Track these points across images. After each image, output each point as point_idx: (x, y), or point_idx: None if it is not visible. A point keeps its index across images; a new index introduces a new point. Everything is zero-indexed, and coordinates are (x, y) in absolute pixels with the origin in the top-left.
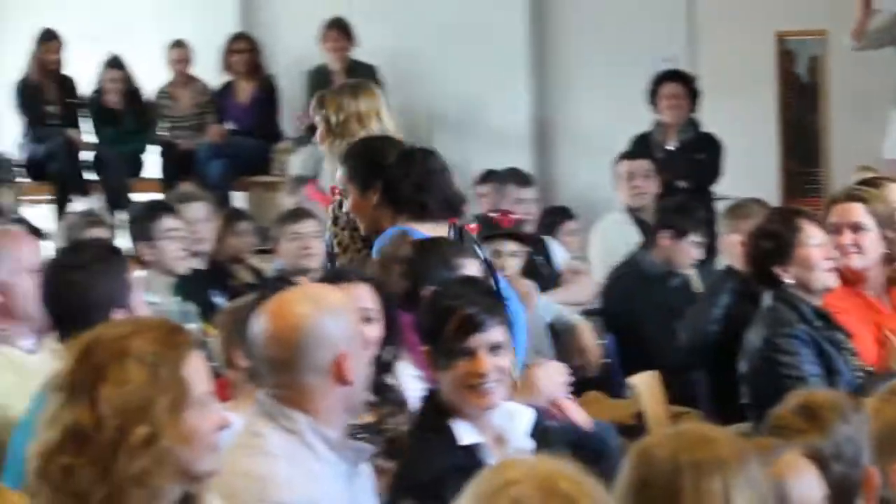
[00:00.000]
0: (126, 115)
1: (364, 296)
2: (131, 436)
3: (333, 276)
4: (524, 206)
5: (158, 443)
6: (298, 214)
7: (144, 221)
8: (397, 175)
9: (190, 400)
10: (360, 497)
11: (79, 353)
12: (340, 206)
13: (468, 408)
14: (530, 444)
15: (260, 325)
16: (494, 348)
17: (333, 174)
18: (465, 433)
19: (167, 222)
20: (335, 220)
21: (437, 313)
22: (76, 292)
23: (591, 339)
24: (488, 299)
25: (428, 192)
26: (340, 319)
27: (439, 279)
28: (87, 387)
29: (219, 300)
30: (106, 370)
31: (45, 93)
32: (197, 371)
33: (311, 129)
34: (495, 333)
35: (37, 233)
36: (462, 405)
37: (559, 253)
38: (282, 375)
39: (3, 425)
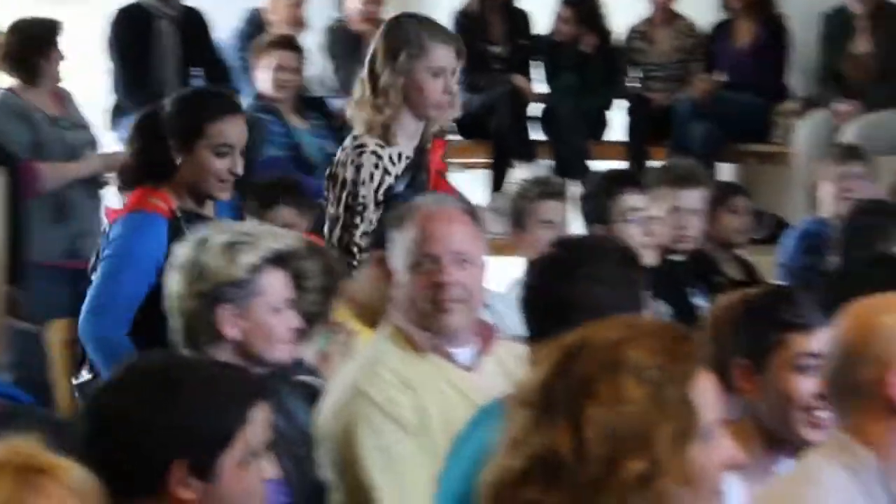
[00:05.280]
0: (590, 60)
1: None
2: (623, 471)
3: None
4: None
5: (656, 482)
6: None
7: (602, 197)
8: None
9: (697, 430)
10: None
11: (559, 361)
12: None
13: None
14: None
15: None
16: None
17: None
18: None
19: (630, 200)
20: None
21: None
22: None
23: None
24: None
25: None
26: None
27: None
28: (569, 404)
29: (700, 301)
30: (594, 384)
31: (489, 28)
32: (705, 393)
33: None
34: None
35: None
36: None
37: None
38: None
39: None
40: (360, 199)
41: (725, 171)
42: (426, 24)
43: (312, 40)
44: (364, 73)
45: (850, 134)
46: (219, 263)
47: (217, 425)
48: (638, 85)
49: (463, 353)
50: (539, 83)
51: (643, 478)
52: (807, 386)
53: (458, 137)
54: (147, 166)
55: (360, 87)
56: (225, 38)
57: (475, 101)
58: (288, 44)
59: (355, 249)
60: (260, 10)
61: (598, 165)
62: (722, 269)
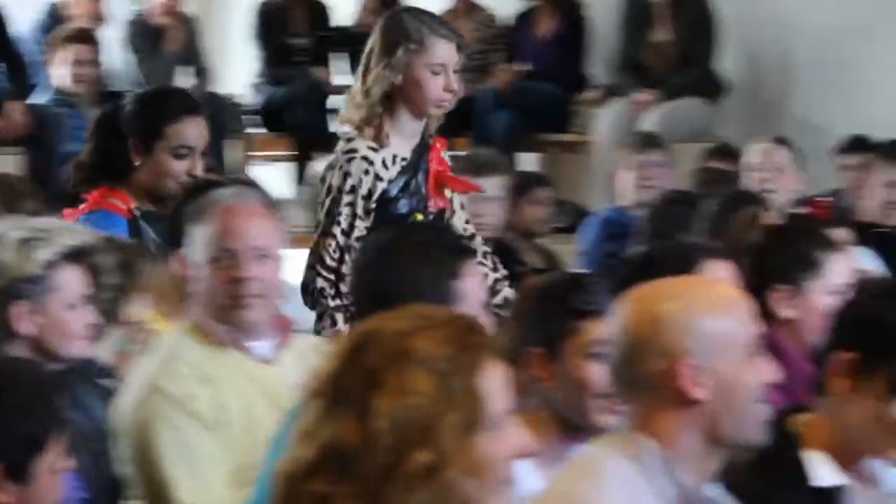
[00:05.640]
0: None
1: None
2: (409, 461)
3: None
4: None
5: (442, 473)
6: None
7: None
8: None
9: (485, 420)
10: None
11: (349, 351)
12: None
13: None
14: None
15: None
16: None
17: None
18: (823, 471)
19: None
20: None
21: None
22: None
23: None
24: None
25: None
26: None
27: None
28: (357, 395)
29: None
30: (381, 375)
31: (291, 20)
32: (495, 383)
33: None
34: None
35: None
36: None
37: None
38: None
39: None
40: (342, 208)
41: (527, 161)
42: (426, 19)
43: (113, 34)
44: (359, 69)
45: (649, 122)
46: (13, 260)
47: (33, 428)
48: None
49: (261, 346)
50: (342, 75)
51: (429, 468)
52: (601, 373)
53: (261, 131)
54: (103, 165)
55: (355, 84)
56: (24, 31)
57: (277, 94)
58: (84, 37)
59: (327, 257)
60: (59, 3)
61: None
62: (523, 258)
